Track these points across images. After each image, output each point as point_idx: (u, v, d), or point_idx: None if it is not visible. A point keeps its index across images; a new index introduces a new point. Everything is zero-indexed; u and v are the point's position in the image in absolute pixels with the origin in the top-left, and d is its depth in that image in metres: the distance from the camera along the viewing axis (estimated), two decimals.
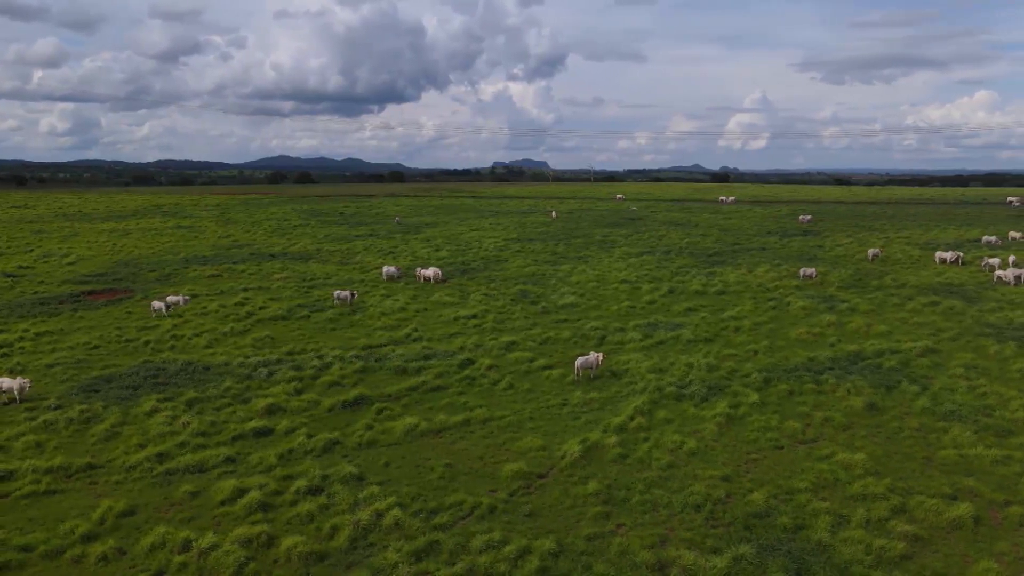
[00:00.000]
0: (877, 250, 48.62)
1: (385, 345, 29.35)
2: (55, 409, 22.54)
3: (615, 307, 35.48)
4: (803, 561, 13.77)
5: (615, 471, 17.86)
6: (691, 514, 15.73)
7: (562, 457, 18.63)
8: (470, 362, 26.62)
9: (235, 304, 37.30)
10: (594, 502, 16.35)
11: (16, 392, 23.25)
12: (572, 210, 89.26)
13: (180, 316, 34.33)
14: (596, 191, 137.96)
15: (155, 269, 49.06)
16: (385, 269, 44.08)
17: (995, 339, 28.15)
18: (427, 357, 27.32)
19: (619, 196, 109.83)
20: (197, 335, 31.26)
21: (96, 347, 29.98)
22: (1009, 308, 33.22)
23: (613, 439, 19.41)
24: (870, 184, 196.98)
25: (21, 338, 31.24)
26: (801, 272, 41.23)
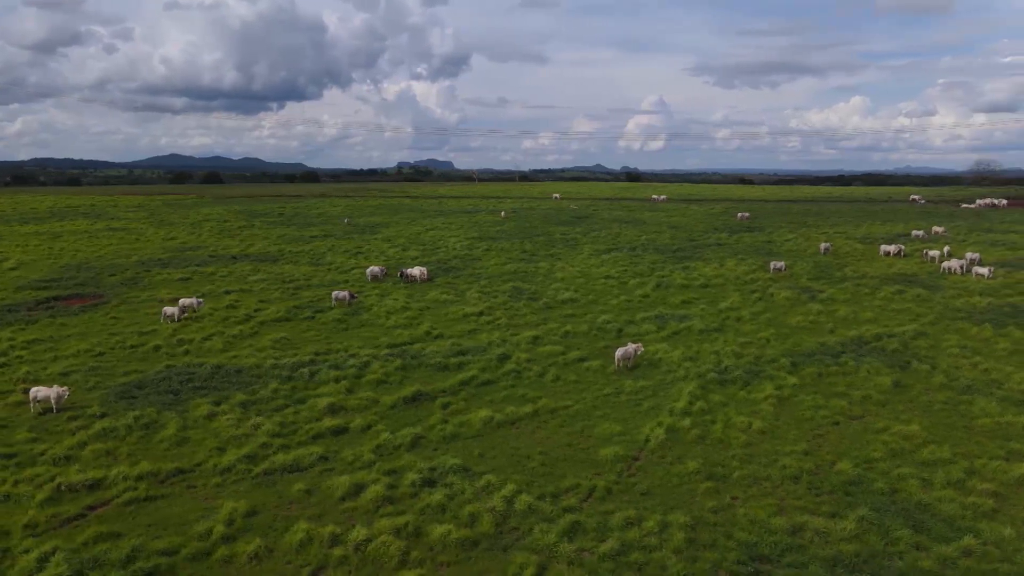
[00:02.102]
0: (828, 244, 52.21)
1: (410, 343, 29.55)
2: (101, 417, 21.76)
3: (614, 301, 36.87)
4: (914, 518, 15.39)
5: (701, 450, 19.08)
6: (791, 485, 17.13)
7: (647, 440, 19.69)
8: (506, 357, 27.28)
9: (226, 307, 36.36)
10: (698, 479, 17.50)
11: (53, 401, 22.27)
12: (515, 209, 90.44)
13: (191, 320, 33.22)
14: (527, 191, 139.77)
15: (114, 273, 46.85)
16: (369, 270, 43.86)
17: (970, 322, 31.23)
18: (460, 353, 27.77)
19: (556, 195, 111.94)
20: (206, 339, 30.47)
21: (101, 354, 28.78)
22: (967, 295, 36.72)
23: (686, 422, 20.64)
24: (763, 184, 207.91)
25: (12, 347, 29.55)
26: (772, 265, 43.90)
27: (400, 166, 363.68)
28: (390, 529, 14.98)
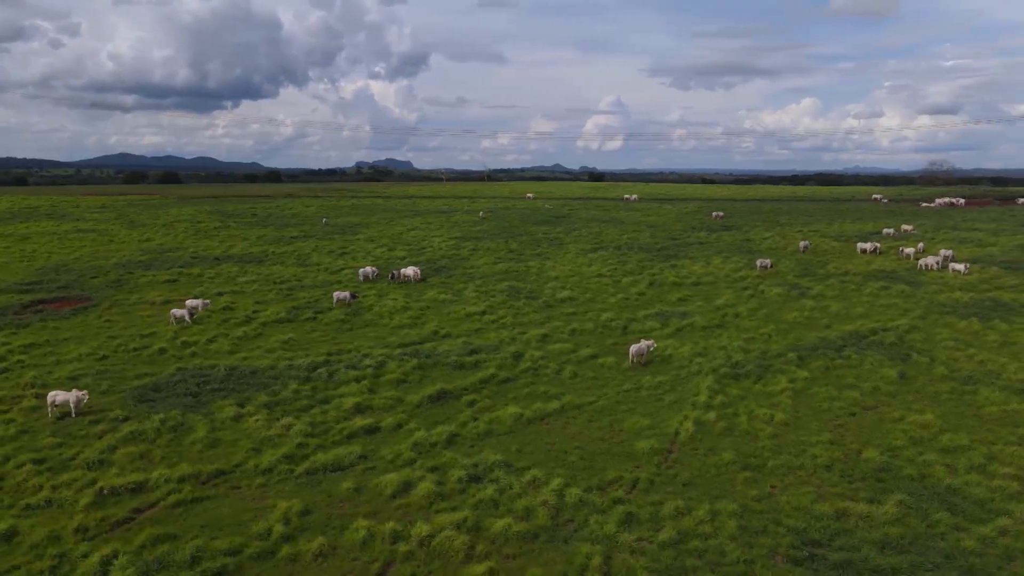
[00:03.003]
0: (807, 242, 53.68)
1: (420, 343, 29.69)
2: (125, 421, 21.51)
3: (612, 299, 37.46)
4: (948, 502, 16.19)
5: (730, 442, 19.69)
6: (824, 473, 17.82)
7: (676, 433, 20.24)
8: (520, 355, 27.61)
9: (223, 309, 35.96)
10: (734, 469, 18.09)
11: (72, 405, 21.92)
12: (491, 209, 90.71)
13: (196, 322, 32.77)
14: (496, 190, 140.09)
15: (95, 275, 45.88)
16: (362, 270, 43.74)
17: (957, 316, 32.57)
18: (473, 352, 28.01)
19: (529, 195, 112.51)
20: (211, 341, 30.17)
21: (105, 357, 28.32)
22: (948, 290, 38.23)
23: (711, 415, 21.25)
24: (723, 183, 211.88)
25: (9, 351, 28.87)
26: (758, 263, 45.03)
27: (359, 166, 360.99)
28: (450, 524, 15.21)
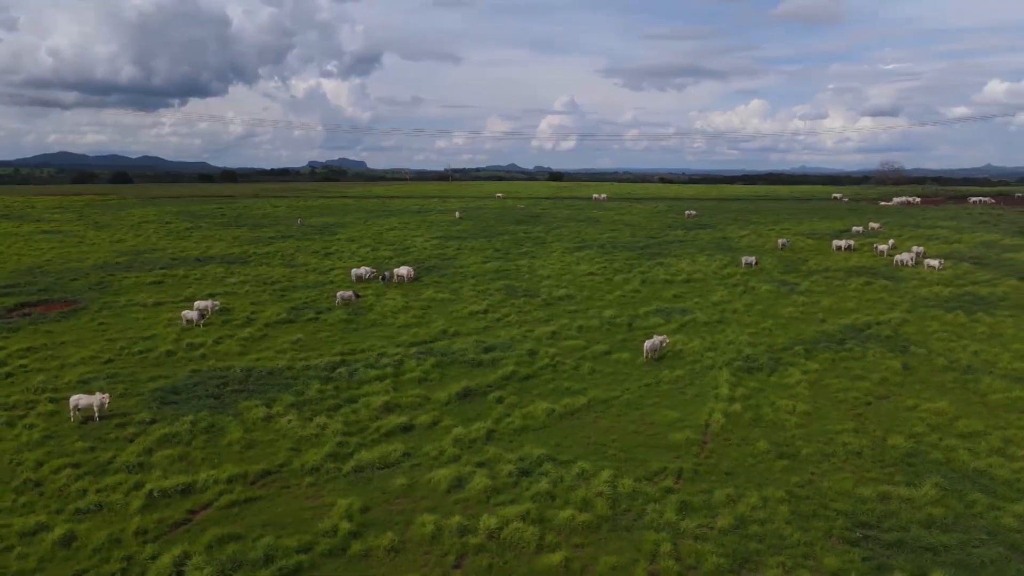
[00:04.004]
0: (785, 240, 55.21)
1: (430, 342, 29.82)
2: (152, 423, 21.24)
3: (610, 296, 38.10)
4: (978, 483, 17.12)
5: (761, 432, 20.39)
6: (856, 460, 18.63)
7: (707, 425, 20.87)
8: (534, 352, 27.97)
9: (219, 311, 35.45)
10: (770, 458, 18.77)
11: (96, 409, 21.54)
12: (465, 208, 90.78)
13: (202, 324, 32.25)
14: (464, 190, 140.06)
15: (75, 278, 44.72)
16: (355, 271, 43.53)
17: (942, 309, 34.06)
18: (488, 350, 28.27)
19: (499, 195, 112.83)
20: (217, 342, 29.81)
21: (110, 360, 27.80)
22: (928, 285, 39.88)
23: (737, 407, 21.95)
24: (678, 183, 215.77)
25: (8, 356, 28.10)
26: (743, 260, 46.22)
27: (312, 165, 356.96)
28: (515, 516, 15.50)
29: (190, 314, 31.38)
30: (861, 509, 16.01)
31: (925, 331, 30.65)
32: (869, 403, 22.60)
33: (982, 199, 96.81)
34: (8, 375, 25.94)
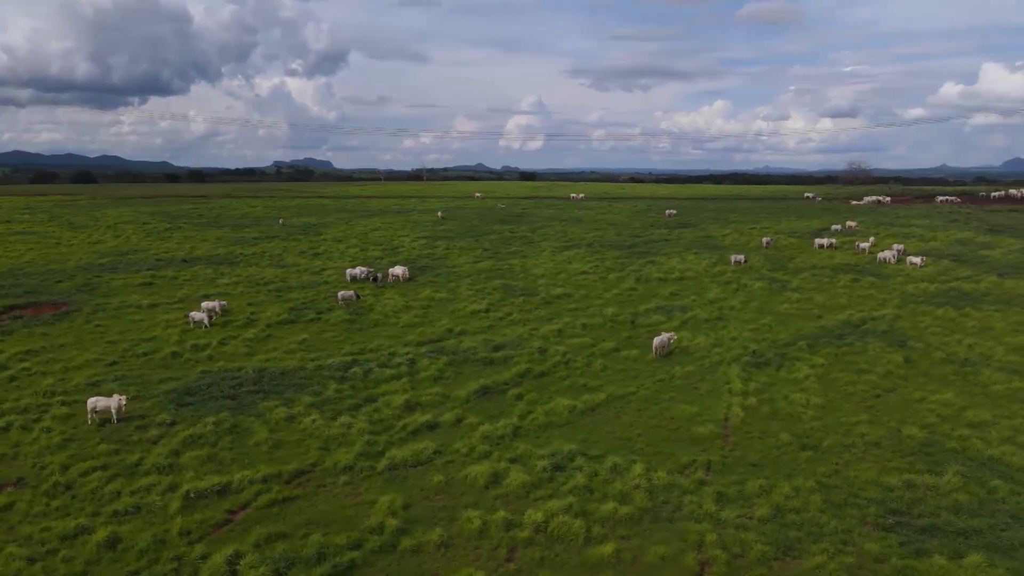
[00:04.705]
0: (769, 239, 56.26)
1: (438, 340, 29.92)
2: (173, 425, 21.07)
3: (607, 295, 38.53)
4: (995, 470, 17.82)
5: (780, 425, 20.92)
6: (876, 450, 19.24)
7: (726, 419, 21.35)
8: (544, 350, 28.24)
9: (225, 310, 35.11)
10: (794, 449, 19.29)
11: (114, 411, 21.29)
12: (446, 208, 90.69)
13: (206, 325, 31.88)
14: (440, 190, 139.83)
15: (60, 280, 43.86)
16: (349, 271, 43.36)
17: (931, 305, 35.10)
18: (497, 348, 28.47)
19: (478, 194, 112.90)
20: (223, 343, 29.58)
21: (114, 363, 27.45)
22: (913, 281, 41.03)
23: (752, 401, 22.49)
24: (646, 182, 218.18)
25: (8, 359, 27.56)
26: (732, 259, 47.05)
27: (277, 165, 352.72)
28: (558, 510, 15.75)
29: (198, 315, 31.03)
30: (890, 497, 16.57)
31: (918, 326, 31.59)
32: (878, 395, 23.29)
33: (949, 198, 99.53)
34: (12, 378, 25.47)
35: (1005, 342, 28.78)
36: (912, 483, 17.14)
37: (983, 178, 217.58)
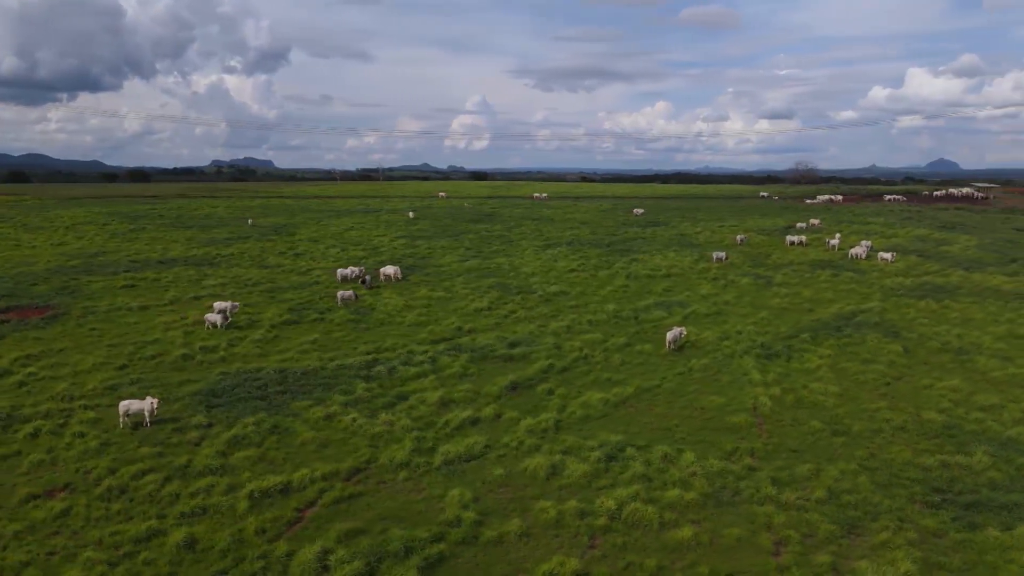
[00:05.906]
0: (743, 236, 57.94)
1: (452, 338, 30.10)
2: (209, 427, 20.84)
3: (603, 292, 39.25)
4: (1018, 449, 19.04)
5: (808, 413, 21.86)
6: (903, 434, 20.32)
7: (755, 408, 22.20)
8: (559, 346, 28.74)
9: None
10: (827, 435, 20.23)
11: (147, 414, 20.92)
12: (414, 208, 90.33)
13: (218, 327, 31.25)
14: (401, 189, 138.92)
15: (34, 283, 42.28)
16: (340, 271, 43.04)
17: (912, 298, 36.88)
18: (514, 345, 28.84)
19: (442, 194, 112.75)
20: (232, 344, 29.17)
21: (124, 366, 26.81)
22: (889, 276, 42.96)
23: (776, 390, 23.41)
24: (594, 182, 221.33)
25: (11, 363, 26.68)
26: (714, 256, 48.37)
27: (216, 164, 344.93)
28: (627, 498, 16.25)
29: (213, 317, 30.47)
30: (930, 477, 17.60)
31: (906, 318, 33.19)
32: (888, 383, 24.51)
33: (896, 197, 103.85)
34: (21, 383, 24.68)
35: (990, 331, 30.51)
36: (947, 463, 18.22)
37: (911, 178, 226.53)
